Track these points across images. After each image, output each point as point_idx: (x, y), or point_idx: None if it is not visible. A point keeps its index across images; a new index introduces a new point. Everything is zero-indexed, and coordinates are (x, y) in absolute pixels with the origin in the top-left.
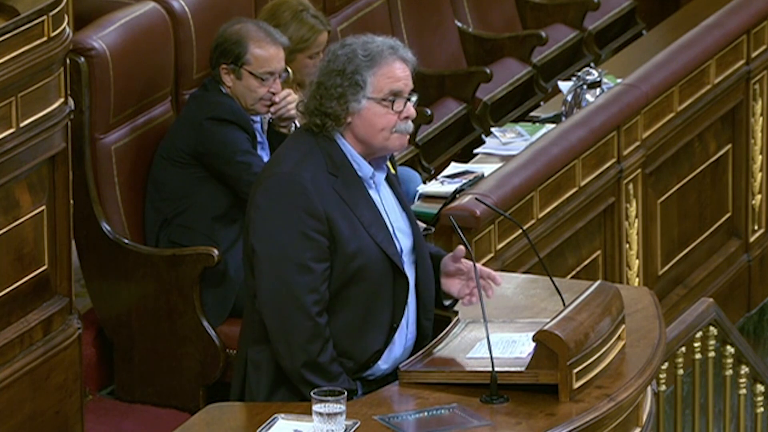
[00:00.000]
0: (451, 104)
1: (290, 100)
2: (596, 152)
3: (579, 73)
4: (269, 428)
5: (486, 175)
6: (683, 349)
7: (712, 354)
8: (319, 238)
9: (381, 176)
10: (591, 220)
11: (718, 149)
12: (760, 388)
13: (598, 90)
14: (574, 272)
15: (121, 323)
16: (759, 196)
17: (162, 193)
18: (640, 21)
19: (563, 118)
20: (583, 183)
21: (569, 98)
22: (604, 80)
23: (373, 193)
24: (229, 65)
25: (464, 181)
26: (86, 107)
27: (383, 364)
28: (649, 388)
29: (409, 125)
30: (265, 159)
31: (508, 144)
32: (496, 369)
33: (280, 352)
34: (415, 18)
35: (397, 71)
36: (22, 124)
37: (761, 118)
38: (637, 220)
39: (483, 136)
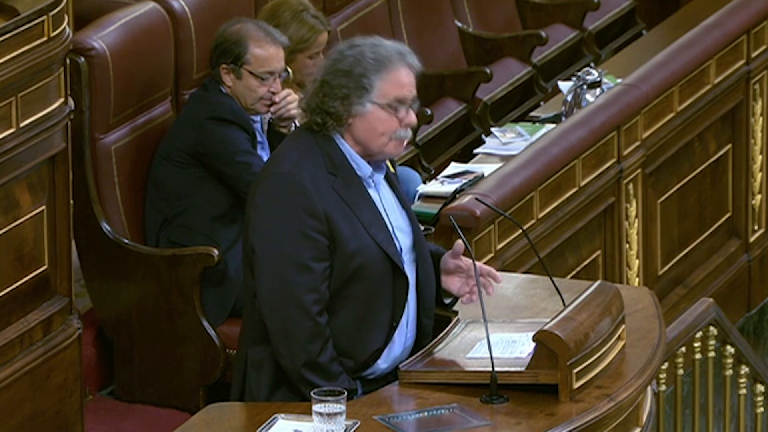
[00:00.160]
0: (451, 104)
1: (290, 99)
2: (596, 152)
3: (579, 73)
4: (269, 428)
5: (486, 175)
6: (683, 349)
7: (712, 354)
8: (318, 238)
9: (380, 175)
10: (591, 220)
11: (718, 149)
12: (760, 388)
13: (598, 90)
14: (574, 272)
15: (121, 323)
16: (759, 196)
17: (162, 193)
18: (640, 21)
19: (563, 118)
20: (583, 183)
21: (569, 98)
22: (604, 80)
23: (372, 192)
24: (229, 65)
25: (464, 181)
26: (86, 107)
27: (383, 363)
28: (649, 388)
29: (408, 132)
30: (265, 159)
31: (508, 144)
32: (496, 369)
33: (280, 352)
34: (415, 18)
35: (403, 78)
36: (22, 124)
37: (761, 118)
38: (637, 220)
39: (483, 136)
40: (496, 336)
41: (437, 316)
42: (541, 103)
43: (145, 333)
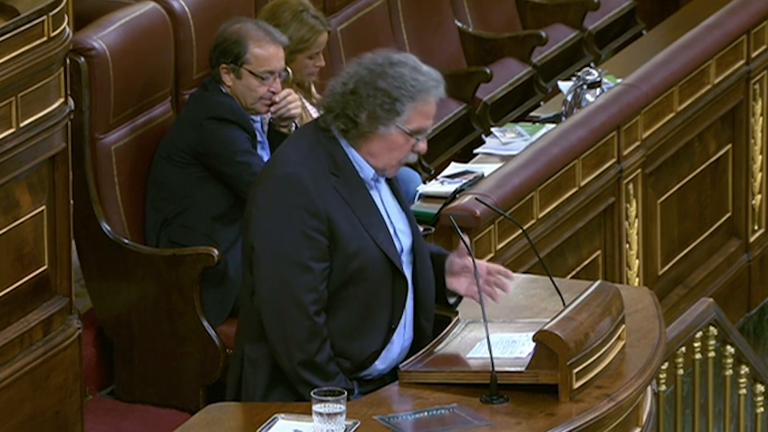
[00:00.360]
0: (451, 104)
1: (291, 99)
2: (596, 152)
3: (579, 73)
4: (269, 428)
5: (486, 175)
6: (683, 349)
7: (712, 354)
8: (319, 238)
9: (381, 177)
10: (591, 220)
11: (718, 149)
12: (760, 388)
13: (598, 90)
14: (574, 272)
15: (121, 323)
16: (759, 196)
17: (162, 192)
18: (640, 21)
19: (563, 118)
20: (583, 183)
21: (569, 98)
22: (604, 80)
23: (373, 193)
24: (229, 65)
25: (464, 181)
26: (86, 107)
27: (380, 365)
28: (649, 388)
29: (414, 157)
30: (265, 159)
31: (508, 144)
32: (496, 369)
33: (278, 351)
34: (415, 18)
35: (432, 110)
36: (22, 124)
37: (761, 118)
38: (637, 220)
39: (483, 136)
40: (496, 336)
41: (437, 316)
42: (541, 103)
43: (145, 333)
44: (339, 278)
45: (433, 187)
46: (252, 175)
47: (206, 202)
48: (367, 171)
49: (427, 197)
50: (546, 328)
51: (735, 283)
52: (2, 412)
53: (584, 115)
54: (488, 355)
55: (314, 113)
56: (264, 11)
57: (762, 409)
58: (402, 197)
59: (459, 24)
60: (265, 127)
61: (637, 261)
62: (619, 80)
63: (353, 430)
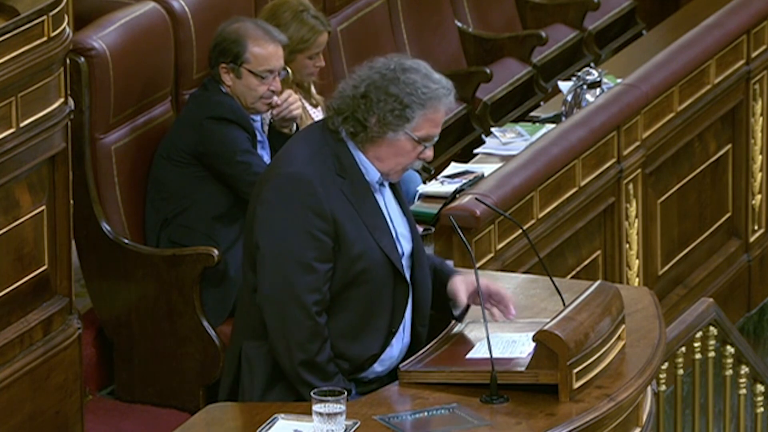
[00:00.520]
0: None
1: (291, 101)
2: (596, 152)
3: (579, 73)
4: (269, 428)
5: (486, 175)
6: (683, 349)
7: (712, 354)
8: (324, 239)
9: (386, 181)
10: (591, 220)
11: (718, 149)
12: (760, 388)
13: (598, 90)
14: (574, 272)
15: (121, 323)
16: (759, 196)
17: (162, 192)
18: (640, 21)
19: (563, 118)
20: (583, 183)
21: (569, 98)
22: (604, 80)
23: (378, 197)
24: (229, 64)
25: (464, 181)
26: (86, 107)
27: (378, 367)
28: (649, 388)
29: (419, 163)
30: (266, 158)
31: (508, 144)
32: (496, 369)
33: (279, 350)
34: (415, 18)
35: (441, 118)
36: (22, 124)
37: (761, 118)
38: (637, 220)
39: (483, 136)
40: (496, 336)
41: (438, 316)
42: (541, 103)
43: (145, 333)
44: (342, 280)
45: (433, 187)
46: (252, 175)
47: (206, 202)
48: (372, 174)
49: (427, 197)
50: (546, 328)
51: (735, 283)
52: (2, 412)
53: (584, 115)
54: (488, 355)
55: (313, 113)
56: (264, 11)
57: (762, 409)
58: (404, 202)
59: (459, 24)
60: (265, 127)
61: (637, 261)
62: (619, 80)
63: (353, 430)
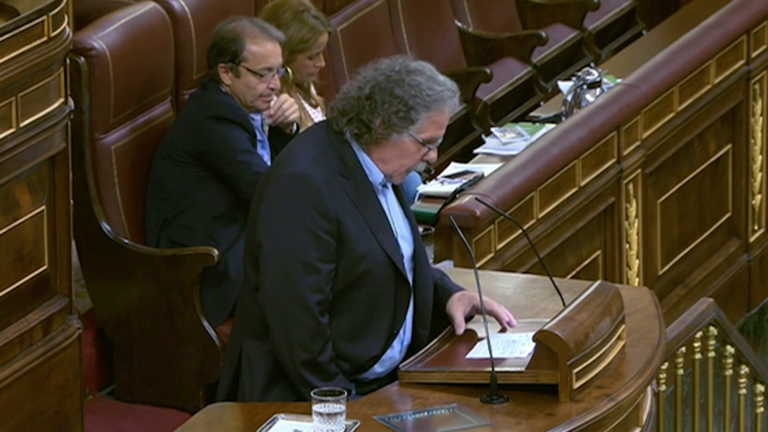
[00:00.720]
0: None
1: (286, 107)
2: (596, 152)
3: (579, 73)
4: (269, 428)
5: (486, 175)
6: (683, 349)
7: (712, 354)
8: (327, 239)
9: (389, 183)
10: (591, 220)
11: (718, 149)
12: (760, 388)
13: (598, 90)
14: (574, 272)
15: (121, 323)
16: (759, 196)
17: (162, 192)
18: (640, 21)
19: (563, 118)
20: (583, 183)
21: (569, 98)
22: (604, 80)
23: (381, 198)
24: (227, 63)
25: (464, 181)
26: (86, 107)
27: (379, 368)
28: (649, 388)
29: (422, 165)
30: (266, 158)
31: (508, 144)
32: (496, 369)
33: (280, 350)
34: (415, 18)
35: (445, 119)
36: (22, 124)
37: (761, 118)
38: (637, 220)
39: (483, 136)
40: (496, 336)
41: (438, 315)
42: (541, 103)
43: (145, 333)
44: (344, 280)
45: (433, 187)
46: (252, 175)
47: (206, 202)
48: (376, 175)
49: (427, 197)
50: (546, 328)
51: (735, 283)
52: (2, 412)
53: (584, 115)
54: (488, 355)
55: (313, 114)
56: (264, 11)
57: (762, 409)
58: (406, 204)
59: (459, 24)
60: (266, 127)
61: (637, 261)
62: (619, 80)
63: (353, 430)
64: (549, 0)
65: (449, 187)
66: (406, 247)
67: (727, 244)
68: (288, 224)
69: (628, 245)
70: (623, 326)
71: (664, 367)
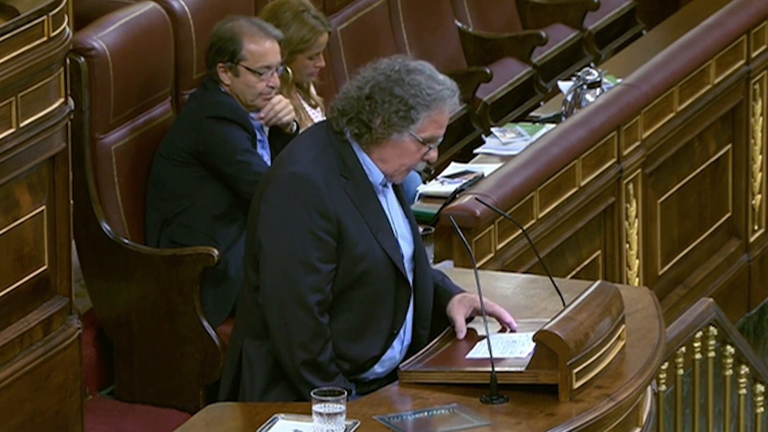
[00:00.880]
0: None
1: (279, 108)
2: (596, 152)
3: (579, 73)
4: (269, 428)
5: (486, 175)
6: (683, 349)
7: (712, 354)
8: (327, 239)
9: (389, 182)
10: (591, 220)
11: (718, 149)
12: (760, 388)
13: (598, 90)
14: (574, 272)
15: (121, 323)
16: (759, 196)
17: (162, 192)
18: (640, 21)
19: (563, 118)
20: (583, 183)
21: (569, 98)
22: (604, 80)
23: (381, 198)
24: (226, 63)
25: (464, 181)
26: (86, 107)
27: (379, 368)
28: (649, 388)
29: (422, 164)
30: (266, 158)
31: (508, 144)
32: (496, 369)
33: (280, 350)
34: (415, 18)
35: (445, 119)
36: (22, 124)
37: (761, 118)
38: (637, 220)
39: (483, 136)
40: (496, 336)
41: (439, 317)
42: (541, 103)
43: (145, 333)
44: (344, 280)
45: (433, 187)
46: (252, 175)
47: (206, 202)
48: (376, 175)
49: (427, 197)
50: (546, 328)
51: (735, 283)
52: (2, 412)
53: (584, 115)
54: (488, 355)
55: (312, 114)
56: (264, 11)
57: (762, 409)
58: (407, 205)
59: (459, 24)
60: (266, 127)
61: (637, 261)
62: (619, 80)
63: (353, 430)
64: (549, 0)
65: (449, 187)
66: (406, 247)
67: (727, 244)
68: (288, 224)
69: (628, 245)
70: (623, 326)
71: (664, 367)
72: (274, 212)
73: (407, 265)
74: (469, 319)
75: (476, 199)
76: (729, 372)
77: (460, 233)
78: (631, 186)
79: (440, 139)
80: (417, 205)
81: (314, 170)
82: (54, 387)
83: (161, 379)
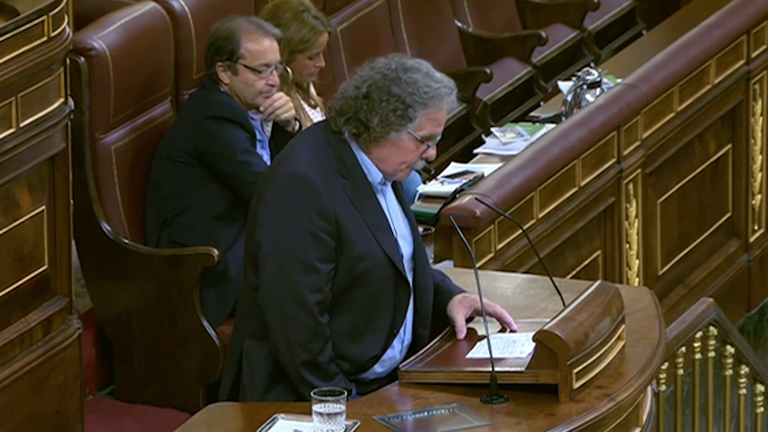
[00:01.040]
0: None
1: (278, 105)
2: (596, 152)
3: (579, 73)
4: (269, 428)
5: (486, 175)
6: (683, 349)
7: (712, 354)
8: (326, 239)
9: (389, 182)
10: (591, 220)
11: (718, 149)
12: (760, 388)
13: (598, 90)
14: (574, 272)
15: (121, 323)
16: (759, 196)
17: (162, 192)
18: (640, 21)
19: (563, 118)
20: (583, 183)
21: (569, 98)
22: (604, 80)
23: (380, 198)
24: (225, 62)
25: (464, 181)
26: (86, 107)
27: (379, 368)
28: (649, 388)
29: (422, 162)
30: (265, 158)
31: (508, 144)
32: (496, 369)
33: (280, 350)
34: (415, 18)
35: (443, 116)
36: (22, 124)
37: (761, 118)
38: (637, 220)
39: (483, 136)
40: (496, 336)
41: (439, 317)
42: (541, 103)
43: (145, 333)
44: (343, 280)
45: (433, 187)
46: (252, 175)
47: (206, 202)
48: (375, 175)
49: (427, 197)
50: (546, 328)
51: (735, 283)
52: (2, 412)
53: (584, 115)
54: (488, 355)
55: (312, 114)
56: (265, 11)
57: (762, 409)
58: (406, 204)
59: (459, 24)
60: (266, 127)
61: (637, 261)
62: (619, 80)
63: (353, 430)
64: (549, 0)
65: (449, 187)
66: (406, 247)
67: (727, 244)
68: (287, 224)
69: (628, 245)
70: (623, 326)
71: (664, 367)
72: (273, 212)
73: (407, 265)
74: (469, 319)
75: (476, 199)
76: (729, 372)
77: (460, 233)
78: (631, 186)
79: (438, 137)
80: (417, 205)
81: (313, 170)
82: (54, 387)
83: (161, 379)
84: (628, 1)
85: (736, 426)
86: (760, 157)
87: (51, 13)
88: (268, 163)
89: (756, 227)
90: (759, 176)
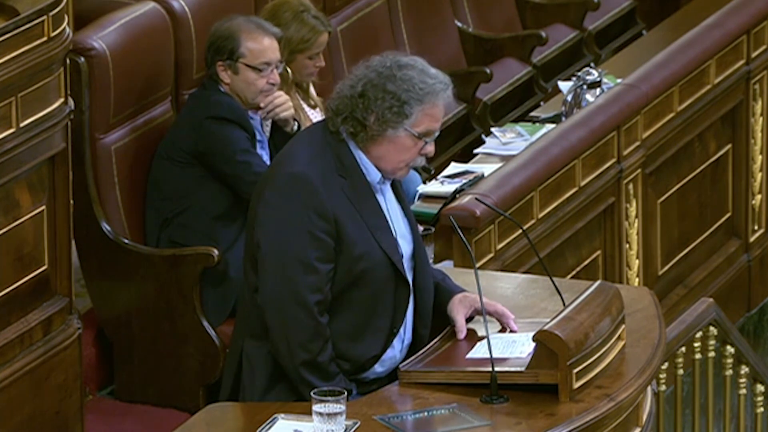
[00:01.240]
0: (451, 104)
1: (277, 103)
2: (596, 152)
3: (579, 73)
4: (269, 428)
5: (486, 175)
6: (683, 349)
7: (712, 354)
8: (326, 239)
9: (387, 181)
10: (591, 220)
11: (718, 149)
12: (760, 388)
13: (598, 90)
14: (574, 272)
15: (121, 323)
16: (759, 196)
17: (162, 192)
18: (640, 21)
19: (563, 118)
20: (583, 183)
21: (569, 98)
22: (604, 80)
23: (379, 197)
24: (225, 61)
25: (464, 181)
26: (86, 107)
27: (379, 368)
28: (649, 388)
29: (422, 160)
30: (265, 158)
31: (508, 144)
32: (496, 369)
33: (280, 350)
34: (415, 18)
35: (440, 112)
36: (22, 124)
37: (761, 118)
38: (637, 220)
39: (483, 136)
40: (496, 336)
41: (439, 316)
42: (541, 103)
43: (145, 333)
44: (343, 280)
45: (433, 187)
46: (252, 175)
47: (206, 202)
48: (374, 174)
49: (427, 197)
50: (546, 328)
51: (735, 283)
52: (2, 412)
53: (584, 115)
54: (488, 355)
55: (311, 114)
56: (264, 11)
57: (762, 409)
58: (406, 203)
59: (459, 24)
60: (266, 127)
61: (637, 261)
62: (619, 80)
63: (353, 430)
64: (549, 0)
65: (449, 187)
66: (406, 247)
67: (727, 244)
68: (286, 224)
69: (628, 245)
70: (623, 326)
71: (664, 367)
72: (272, 213)
73: (407, 265)
74: (469, 319)
75: (476, 199)
76: (729, 372)
77: (460, 233)
78: (631, 186)
79: (436, 133)
80: (417, 205)
81: (312, 170)
82: (54, 387)
83: (161, 379)
84: (628, 1)
85: (736, 426)
86: (760, 157)
87: (51, 13)
88: (268, 163)
89: (756, 227)
90: (759, 176)
